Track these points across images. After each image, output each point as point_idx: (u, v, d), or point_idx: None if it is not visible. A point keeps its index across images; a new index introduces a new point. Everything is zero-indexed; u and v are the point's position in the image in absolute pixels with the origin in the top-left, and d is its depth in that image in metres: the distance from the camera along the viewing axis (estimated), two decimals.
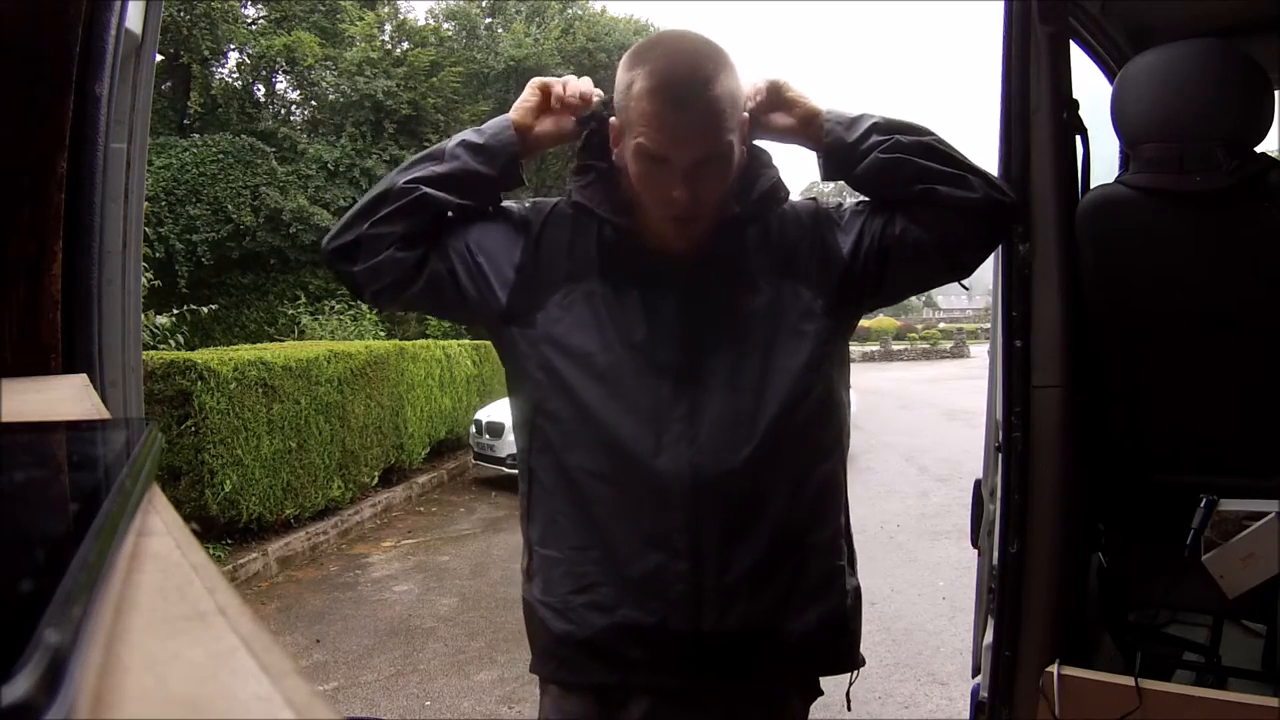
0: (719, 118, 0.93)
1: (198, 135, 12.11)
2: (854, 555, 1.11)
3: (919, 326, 41.67)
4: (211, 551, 4.41)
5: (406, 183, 1.04)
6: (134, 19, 0.89)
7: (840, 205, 1.10)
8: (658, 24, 16.56)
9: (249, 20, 13.68)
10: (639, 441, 0.97)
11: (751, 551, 0.98)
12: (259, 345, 6.62)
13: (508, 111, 1.09)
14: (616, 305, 1.01)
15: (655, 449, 0.97)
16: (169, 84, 12.81)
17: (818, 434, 1.04)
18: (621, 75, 0.98)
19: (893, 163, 1.01)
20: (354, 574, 4.75)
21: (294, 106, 14.08)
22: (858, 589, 1.10)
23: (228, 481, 4.47)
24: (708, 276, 1.02)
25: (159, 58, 1.75)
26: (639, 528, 0.98)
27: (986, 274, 1.38)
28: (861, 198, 1.09)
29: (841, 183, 1.11)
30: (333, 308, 9.94)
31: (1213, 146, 1.16)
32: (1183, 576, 1.17)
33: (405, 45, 13.95)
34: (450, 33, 14.90)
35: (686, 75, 0.93)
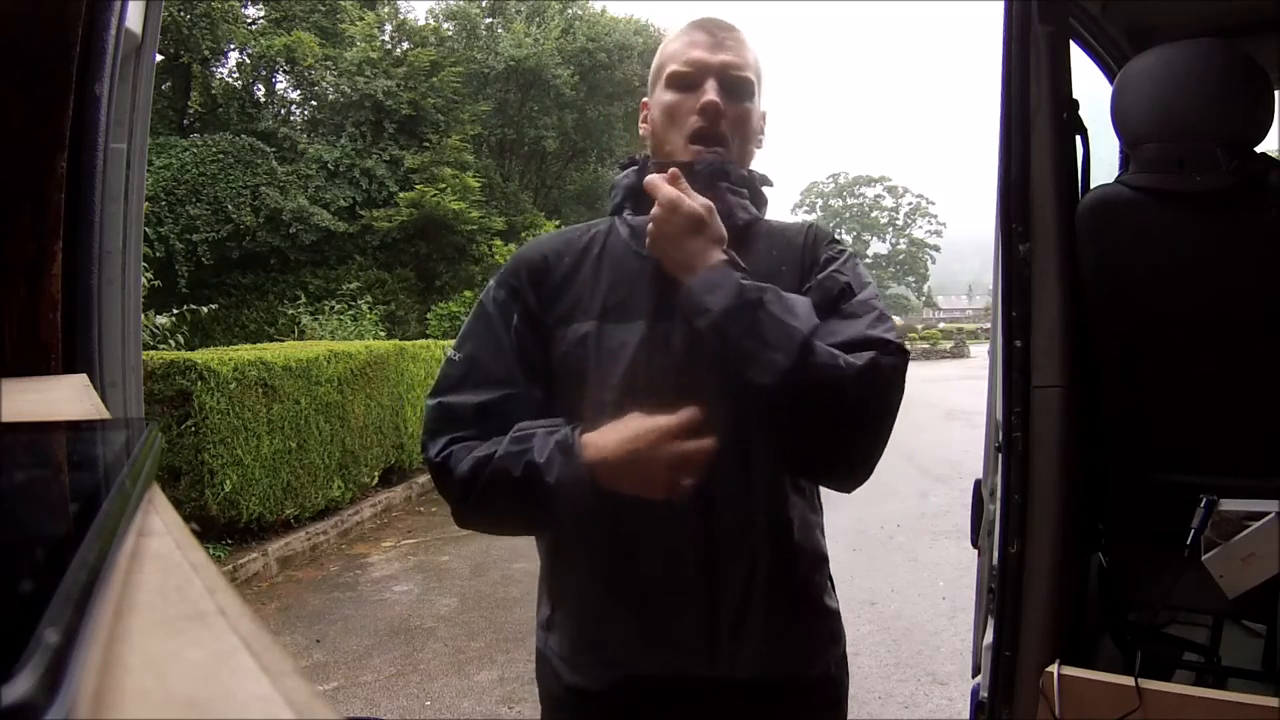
0: (746, 48, 1.02)
1: (198, 135, 12.13)
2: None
3: (919, 326, 41.70)
4: (211, 551, 4.42)
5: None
6: (134, 19, 0.89)
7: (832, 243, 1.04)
8: (658, 24, 16.56)
9: (249, 20, 13.68)
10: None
11: (760, 588, 0.95)
12: (259, 345, 6.62)
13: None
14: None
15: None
16: (169, 84, 12.82)
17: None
18: (656, 56, 1.06)
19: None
20: (354, 574, 4.75)
21: (294, 106, 14.09)
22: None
23: (228, 481, 4.47)
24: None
25: (159, 58, 1.75)
26: (653, 573, 0.95)
27: (986, 274, 1.38)
28: (841, 247, 1.03)
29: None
30: (333, 308, 9.94)
31: (1213, 146, 1.16)
32: (1183, 576, 1.17)
33: (405, 45, 13.98)
34: (450, 33, 14.91)
35: (716, 18, 1.03)
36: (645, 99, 1.08)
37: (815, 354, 0.85)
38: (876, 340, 0.88)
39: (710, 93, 0.97)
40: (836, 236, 1.06)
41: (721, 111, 0.97)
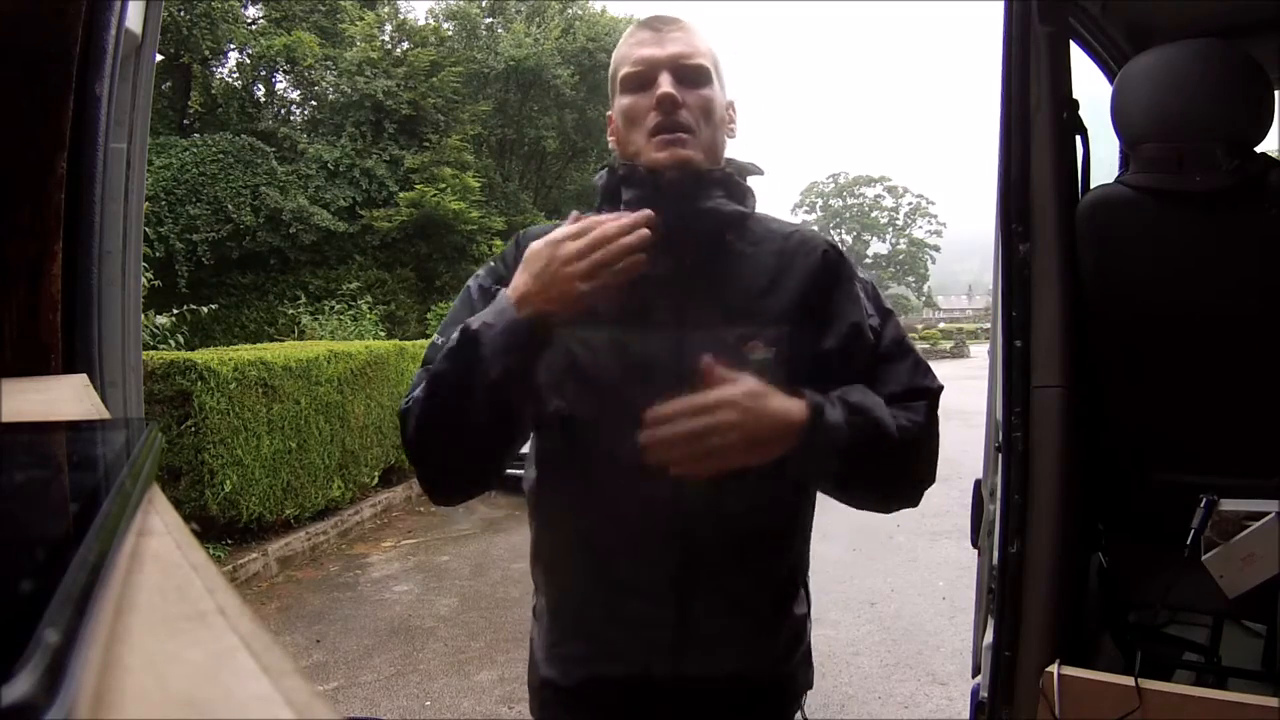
0: (695, 36, 0.99)
1: (198, 135, 12.11)
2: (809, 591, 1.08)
3: (919, 326, 41.70)
4: (211, 551, 4.41)
5: None
6: (134, 19, 0.89)
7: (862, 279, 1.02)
8: None
9: (249, 20, 13.67)
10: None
11: (730, 588, 0.96)
12: (259, 345, 6.63)
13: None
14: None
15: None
16: (169, 84, 12.81)
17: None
18: (610, 66, 1.04)
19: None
20: (354, 574, 4.75)
21: (294, 106, 14.08)
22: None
23: (228, 481, 4.47)
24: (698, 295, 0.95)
25: (159, 58, 1.75)
26: (620, 570, 0.95)
27: (986, 274, 1.38)
28: (865, 278, 1.02)
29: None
30: (332, 308, 9.94)
31: (1213, 146, 1.16)
32: (1183, 576, 1.17)
33: (405, 45, 13.96)
34: (450, 33, 14.89)
35: (660, 14, 1.01)
36: (609, 111, 1.05)
37: (894, 433, 0.91)
38: (921, 389, 0.97)
39: (665, 85, 0.95)
40: (841, 245, 1.04)
41: (679, 102, 0.95)
